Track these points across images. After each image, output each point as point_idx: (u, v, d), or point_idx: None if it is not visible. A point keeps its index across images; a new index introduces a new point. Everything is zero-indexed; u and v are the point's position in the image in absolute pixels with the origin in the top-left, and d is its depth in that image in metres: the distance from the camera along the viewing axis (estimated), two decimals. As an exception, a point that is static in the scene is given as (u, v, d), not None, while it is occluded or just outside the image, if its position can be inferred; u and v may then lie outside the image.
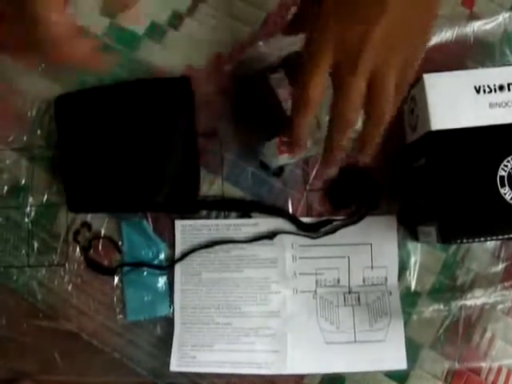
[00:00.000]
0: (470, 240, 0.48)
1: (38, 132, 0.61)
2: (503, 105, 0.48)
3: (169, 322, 0.58)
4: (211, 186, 0.59)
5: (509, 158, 0.47)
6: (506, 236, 0.47)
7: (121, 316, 0.59)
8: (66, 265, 0.59)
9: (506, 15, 0.58)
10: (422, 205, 0.53)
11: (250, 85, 0.57)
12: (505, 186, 0.47)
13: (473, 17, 0.59)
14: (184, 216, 0.59)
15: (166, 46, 0.61)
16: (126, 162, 0.57)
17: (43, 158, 0.61)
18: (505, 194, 0.47)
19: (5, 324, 0.59)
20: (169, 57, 0.61)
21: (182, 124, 0.57)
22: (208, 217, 0.59)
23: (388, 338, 0.56)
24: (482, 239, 0.48)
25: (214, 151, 0.59)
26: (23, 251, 0.60)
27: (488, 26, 0.59)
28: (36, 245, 0.60)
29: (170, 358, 0.57)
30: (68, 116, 0.59)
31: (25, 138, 0.61)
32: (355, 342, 0.56)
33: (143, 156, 0.57)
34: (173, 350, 0.57)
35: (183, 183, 0.57)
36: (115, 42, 0.62)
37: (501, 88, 0.48)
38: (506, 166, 0.47)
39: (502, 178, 0.47)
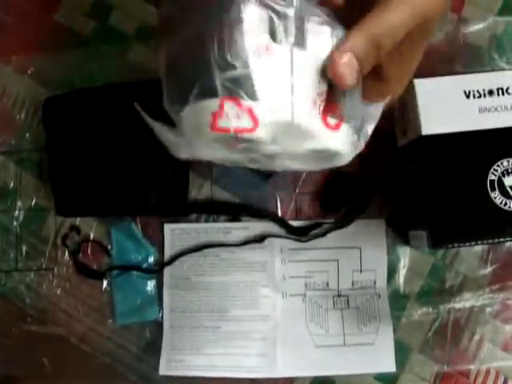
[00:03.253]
0: (462, 244, 0.48)
1: (26, 135, 0.60)
2: (492, 110, 0.48)
3: (158, 325, 0.58)
4: (200, 189, 0.59)
5: (498, 163, 0.47)
6: (497, 240, 0.48)
7: (110, 320, 0.58)
8: (55, 269, 0.59)
9: (494, 20, 0.58)
10: (413, 209, 0.54)
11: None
12: (495, 190, 0.47)
13: (461, 21, 0.59)
14: (173, 220, 0.59)
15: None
16: (115, 165, 0.56)
17: (31, 162, 0.60)
18: (495, 198, 0.47)
19: (-7, 328, 0.59)
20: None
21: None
22: (197, 220, 0.59)
23: (377, 341, 0.56)
24: (473, 243, 0.48)
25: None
26: (11, 255, 0.60)
27: (476, 31, 0.58)
28: (24, 249, 0.60)
29: (159, 361, 0.57)
30: (56, 119, 0.58)
31: (13, 142, 0.61)
32: (344, 345, 0.56)
33: (133, 159, 0.56)
34: (162, 353, 0.57)
35: (173, 186, 0.57)
36: (104, 43, 0.61)
37: (490, 93, 0.49)
38: (496, 170, 0.47)
39: (491, 182, 0.47)
